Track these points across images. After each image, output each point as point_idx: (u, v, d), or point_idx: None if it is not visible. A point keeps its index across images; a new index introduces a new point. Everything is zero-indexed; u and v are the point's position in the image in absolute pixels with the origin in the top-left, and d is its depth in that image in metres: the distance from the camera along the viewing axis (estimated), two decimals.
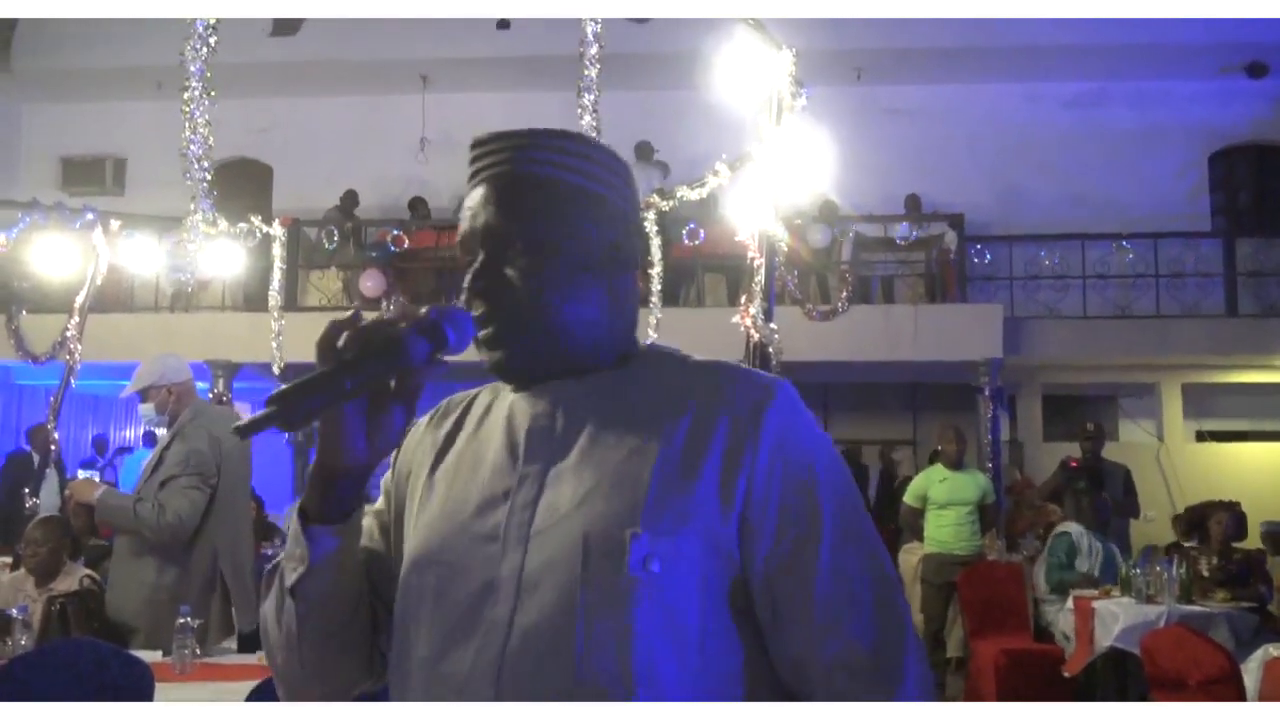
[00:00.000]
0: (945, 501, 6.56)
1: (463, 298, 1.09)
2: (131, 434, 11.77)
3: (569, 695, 0.97)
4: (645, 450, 1.04)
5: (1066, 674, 5.39)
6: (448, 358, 1.04)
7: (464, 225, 1.12)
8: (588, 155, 1.12)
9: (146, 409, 3.80)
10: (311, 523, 1.05)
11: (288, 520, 1.02)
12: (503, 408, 1.14)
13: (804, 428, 1.07)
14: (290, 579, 1.06)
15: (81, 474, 4.41)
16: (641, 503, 1.01)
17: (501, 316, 1.07)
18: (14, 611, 3.40)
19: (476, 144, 1.14)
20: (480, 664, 1.00)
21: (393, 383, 1.03)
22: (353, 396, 0.98)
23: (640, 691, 0.97)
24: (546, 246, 1.08)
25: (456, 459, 1.14)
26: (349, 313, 1.03)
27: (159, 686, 2.80)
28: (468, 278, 1.09)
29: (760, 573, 1.04)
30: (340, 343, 1.00)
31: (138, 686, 2.79)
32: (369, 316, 1.05)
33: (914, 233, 10.35)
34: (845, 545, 1.05)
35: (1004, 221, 10.78)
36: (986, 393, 9.40)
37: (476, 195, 1.11)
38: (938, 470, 6.77)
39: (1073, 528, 6.03)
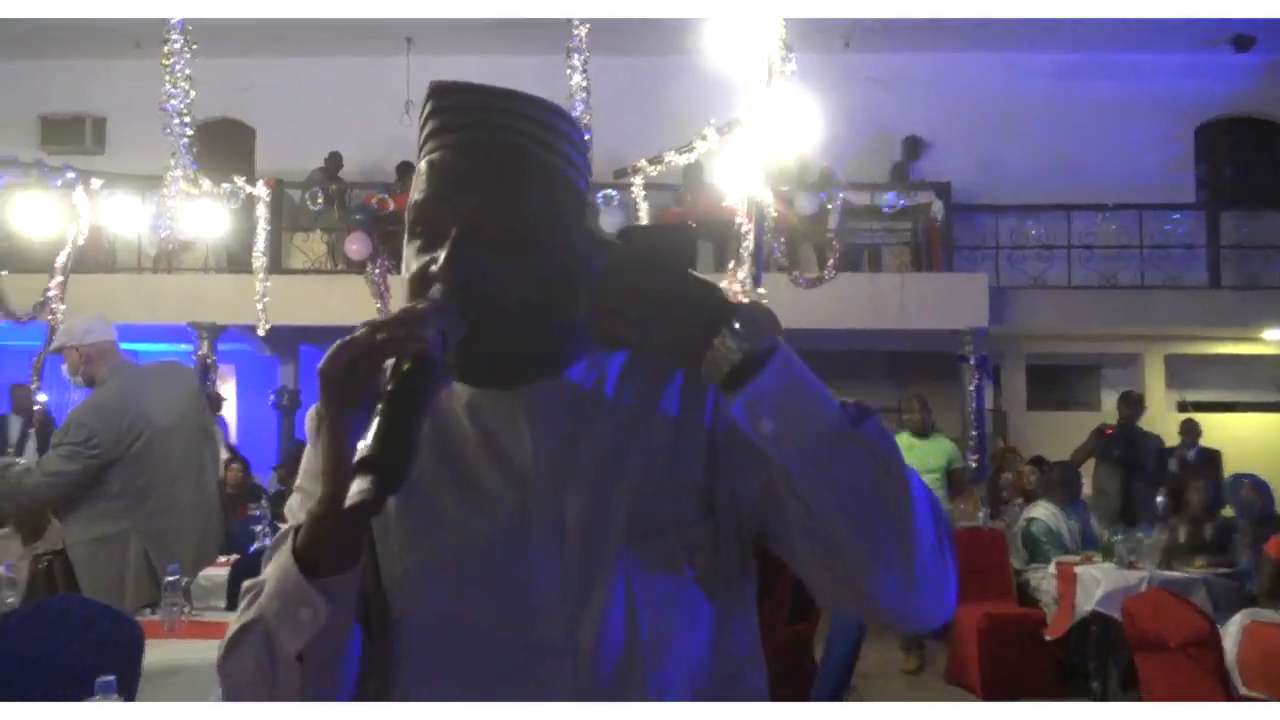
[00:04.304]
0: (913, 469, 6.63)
1: (435, 287, 0.92)
2: None
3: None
4: (654, 436, 0.99)
5: (1048, 637, 5.46)
6: None
7: (432, 190, 0.96)
8: (575, 141, 1.00)
9: (65, 369, 3.74)
10: (323, 574, 0.89)
11: (273, 549, 0.82)
12: (456, 406, 1.01)
13: None
14: (296, 646, 0.90)
15: None
16: (677, 493, 0.98)
17: (482, 315, 0.92)
18: (1, 569, 3.39)
19: (444, 92, 0.98)
20: (551, 689, 0.94)
21: None
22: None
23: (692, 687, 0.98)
24: (538, 236, 0.95)
25: (422, 466, 0.95)
26: (360, 334, 0.86)
27: (149, 644, 2.80)
28: (443, 263, 0.93)
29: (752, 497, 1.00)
30: (355, 369, 0.85)
31: (126, 643, 2.79)
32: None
33: (901, 201, 10.35)
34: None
35: (988, 191, 10.79)
36: (971, 361, 9.45)
37: (450, 159, 0.96)
38: (904, 438, 6.82)
39: (1043, 511, 6.10)
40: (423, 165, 0.98)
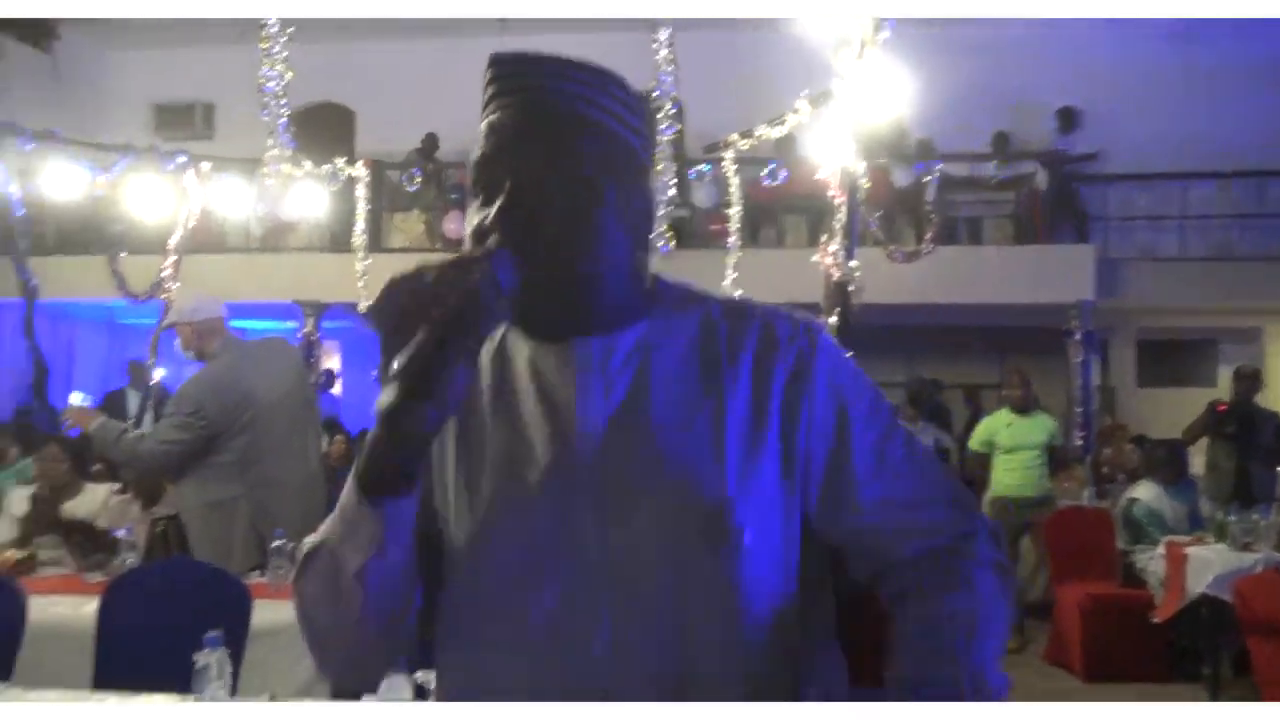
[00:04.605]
0: (1013, 446, 6.46)
1: (491, 237, 0.97)
2: None
3: (677, 679, 0.97)
4: (711, 410, 1.01)
5: (1156, 620, 5.28)
6: None
7: (489, 148, 1.01)
8: (631, 106, 1.04)
9: (178, 344, 3.87)
10: (376, 494, 0.93)
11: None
12: (520, 360, 1.06)
13: (845, 367, 1.08)
14: (355, 564, 0.95)
15: (76, 398, 4.39)
16: (726, 469, 0.99)
17: (536, 263, 0.96)
18: (121, 532, 3.57)
19: (501, 62, 1.03)
20: (586, 649, 0.98)
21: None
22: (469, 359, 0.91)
23: (741, 661, 1.00)
24: (590, 191, 0.99)
25: (482, 414, 1.05)
26: (412, 272, 0.91)
27: (256, 604, 2.91)
28: (496, 213, 0.98)
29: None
30: (408, 301, 0.89)
31: (235, 604, 2.91)
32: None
33: (1002, 171, 10.04)
34: (885, 437, 1.08)
35: (1099, 160, 10.37)
36: (1077, 336, 9.15)
37: (506, 118, 1.00)
38: (1003, 415, 6.65)
39: (1146, 492, 5.86)
40: (482, 127, 1.03)
